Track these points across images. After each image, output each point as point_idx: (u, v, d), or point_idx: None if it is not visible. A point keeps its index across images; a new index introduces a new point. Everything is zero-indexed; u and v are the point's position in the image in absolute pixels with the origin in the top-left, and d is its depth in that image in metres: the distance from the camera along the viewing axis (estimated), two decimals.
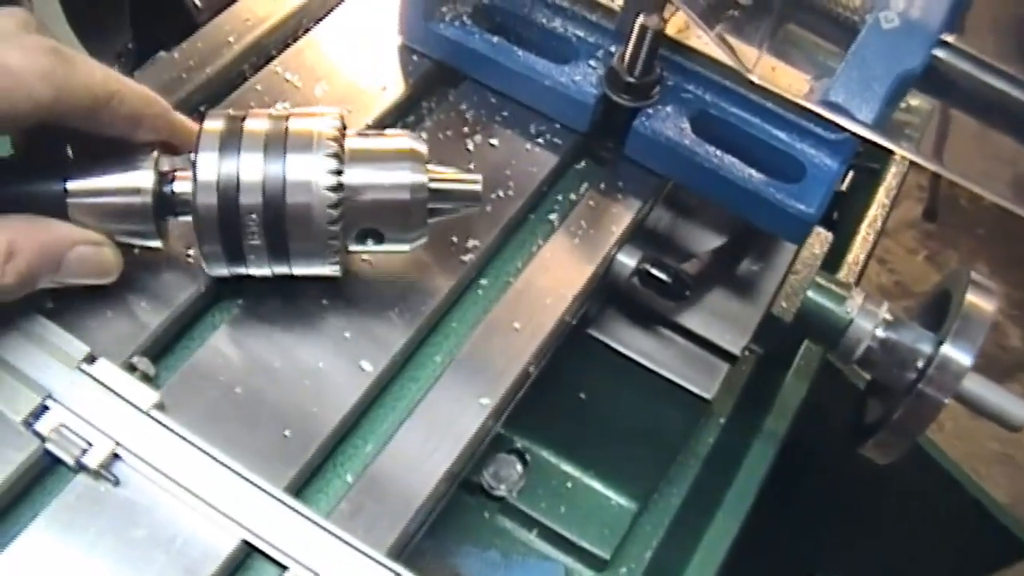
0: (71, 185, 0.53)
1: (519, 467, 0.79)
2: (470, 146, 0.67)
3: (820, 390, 0.91)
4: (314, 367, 0.57)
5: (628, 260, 0.67)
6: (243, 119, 0.55)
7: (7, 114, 0.49)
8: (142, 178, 0.54)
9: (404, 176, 0.55)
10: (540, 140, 0.68)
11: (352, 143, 0.56)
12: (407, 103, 0.70)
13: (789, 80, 0.68)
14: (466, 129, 0.68)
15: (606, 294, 0.73)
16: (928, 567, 1.15)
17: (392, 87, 0.70)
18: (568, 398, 0.78)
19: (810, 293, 0.80)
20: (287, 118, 0.55)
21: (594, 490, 0.80)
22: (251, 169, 0.53)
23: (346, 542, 0.51)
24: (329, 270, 0.56)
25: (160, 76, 0.67)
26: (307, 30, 0.73)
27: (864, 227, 0.96)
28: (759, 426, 0.86)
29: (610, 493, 0.80)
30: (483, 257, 0.63)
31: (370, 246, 0.57)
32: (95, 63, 0.52)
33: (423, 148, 0.57)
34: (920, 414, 0.75)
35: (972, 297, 0.76)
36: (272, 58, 0.71)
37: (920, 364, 0.76)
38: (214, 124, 0.55)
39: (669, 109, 0.68)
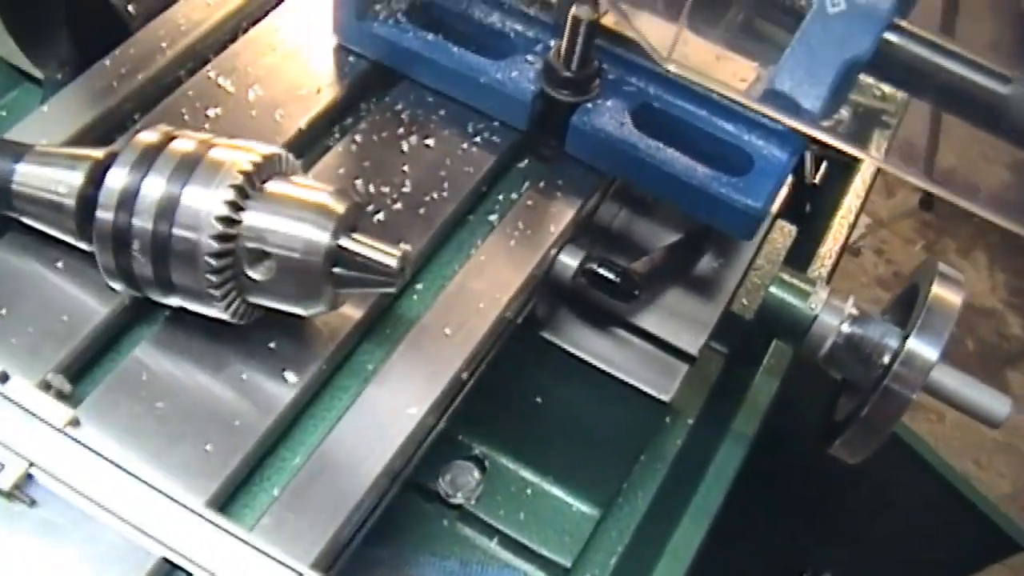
0: (20, 167, 0.53)
1: (476, 473, 0.78)
2: (405, 147, 0.65)
3: (797, 388, 0.89)
4: (237, 379, 0.55)
5: (570, 260, 0.65)
6: (173, 138, 0.54)
7: None
8: (73, 177, 0.53)
9: (302, 231, 0.50)
10: (478, 139, 0.66)
11: (273, 186, 0.52)
12: (343, 105, 0.68)
13: (735, 69, 0.66)
14: (401, 130, 0.66)
15: (555, 295, 0.71)
16: (917, 562, 1.12)
17: (328, 89, 0.68)
18: (524, 402, 0.76)
19: (772, 289, 0.78)
20: (213, 146, 0.53)
21: (554, 496, 0.78)
22: (151, 189, 0.51)
23: (267, 555, 0.49)
24: (218, 313, 0.53)
25: (93, 84, 0.66)
26: (246, 31, 0.72)
27: (837, 220, 0.94)
28: (727, 427, 0.83)
29: (571, 499, 0.78)
30: (417, 261, 0.62)
31: (263, 301, 0.54)
32: None
33: (340, 207, 0.52)
34: (887, 411, 0.73)
35: (938, 289, 0.74)
36: (209, 63, 0.69)
37: (886, 359, 0.74)
38: (144, 137, 0.53)
39: (610, 103, 0.66)
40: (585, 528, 0.77)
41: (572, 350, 0.72)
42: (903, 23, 0.65)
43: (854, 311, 0.77)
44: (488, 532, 0.77)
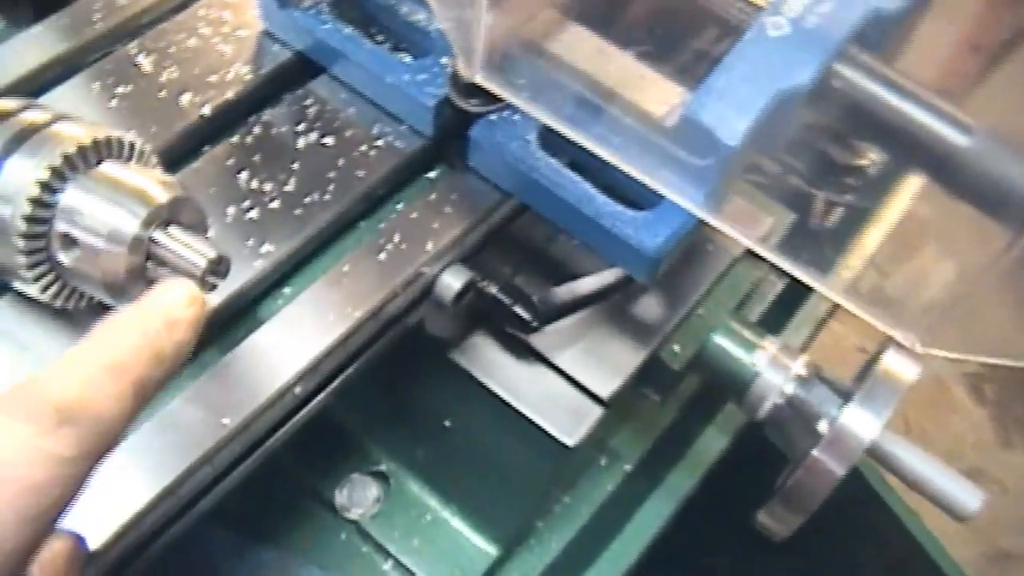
0: None
1: (374, 490, 0.74)
2: (300, 144, 0.62)
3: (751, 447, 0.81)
4: None
5: (453, 281, 0.60)
6: (26, 108, 0.52)
7: None
8: None
9: (111, 218, 0.48)
10: (380, 143, 0.62)
11: (107, 168, 0.50)
12: (257, 95, 0.65)
13: (658, 92, 0.59)
14: (302, 126, 0.63)
15: (468, 316, 0.66)
16: None
17: (242, 77, 0.65)
18: (433, 424, 0.72)
19: (716, 338, 0.71)
20: (59, 120, 0.51)
21: (453, 527, 0.74)
22: None
23: None
24: (36, 295, 0.51)
25: (18, 54, 0.66)
26: (181, 10, 0.70)
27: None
28: (662, 479, 0.77)
29: (469, 533, 0.73)
30: (285, 264, 0.58)
31: (80, 287, 0.52)
32: None
33: (162, 197, 0.49)
34: (813, 485, 0.65)
35: (890, 359, 0.65)
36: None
37: (823, 428, 0.66)
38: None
39: (517, 117, 0.60)
40: (480, 565, 0.72)
41: (479, 376, 0.67)
42: (856, 52, 0.57)
43: (802, 371, 0.69)
44: (383, 553, 0.73)
